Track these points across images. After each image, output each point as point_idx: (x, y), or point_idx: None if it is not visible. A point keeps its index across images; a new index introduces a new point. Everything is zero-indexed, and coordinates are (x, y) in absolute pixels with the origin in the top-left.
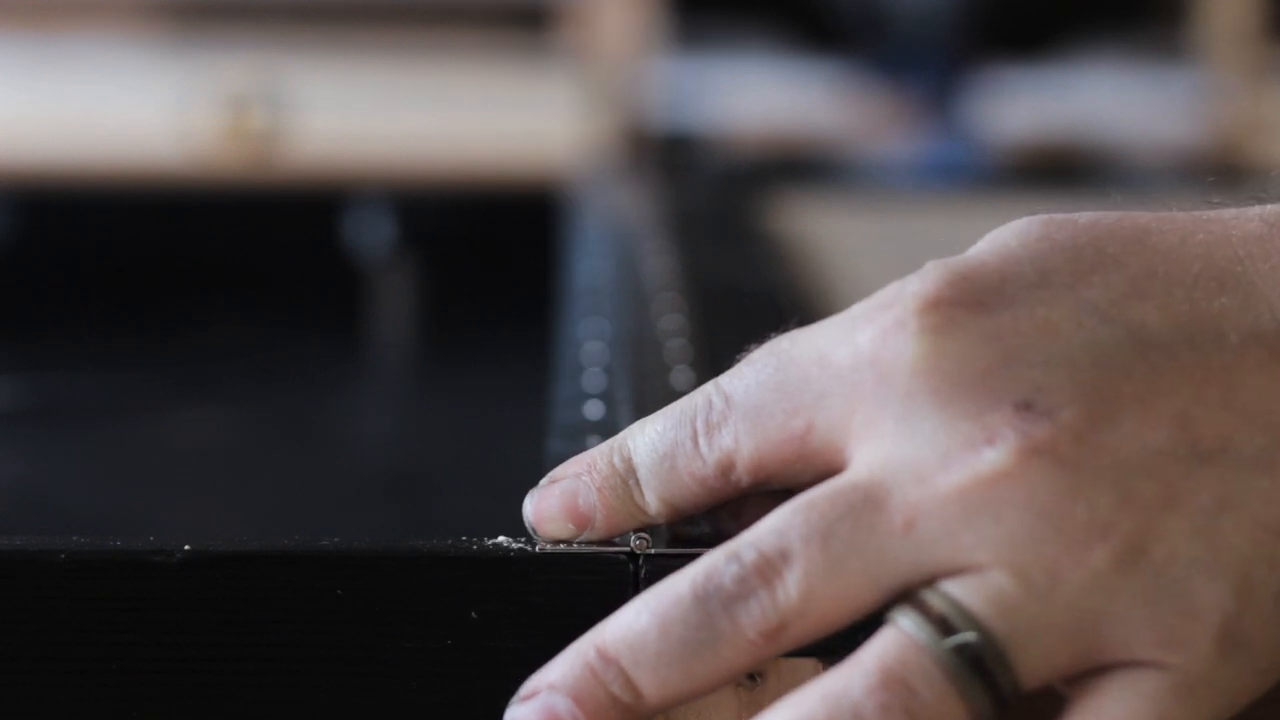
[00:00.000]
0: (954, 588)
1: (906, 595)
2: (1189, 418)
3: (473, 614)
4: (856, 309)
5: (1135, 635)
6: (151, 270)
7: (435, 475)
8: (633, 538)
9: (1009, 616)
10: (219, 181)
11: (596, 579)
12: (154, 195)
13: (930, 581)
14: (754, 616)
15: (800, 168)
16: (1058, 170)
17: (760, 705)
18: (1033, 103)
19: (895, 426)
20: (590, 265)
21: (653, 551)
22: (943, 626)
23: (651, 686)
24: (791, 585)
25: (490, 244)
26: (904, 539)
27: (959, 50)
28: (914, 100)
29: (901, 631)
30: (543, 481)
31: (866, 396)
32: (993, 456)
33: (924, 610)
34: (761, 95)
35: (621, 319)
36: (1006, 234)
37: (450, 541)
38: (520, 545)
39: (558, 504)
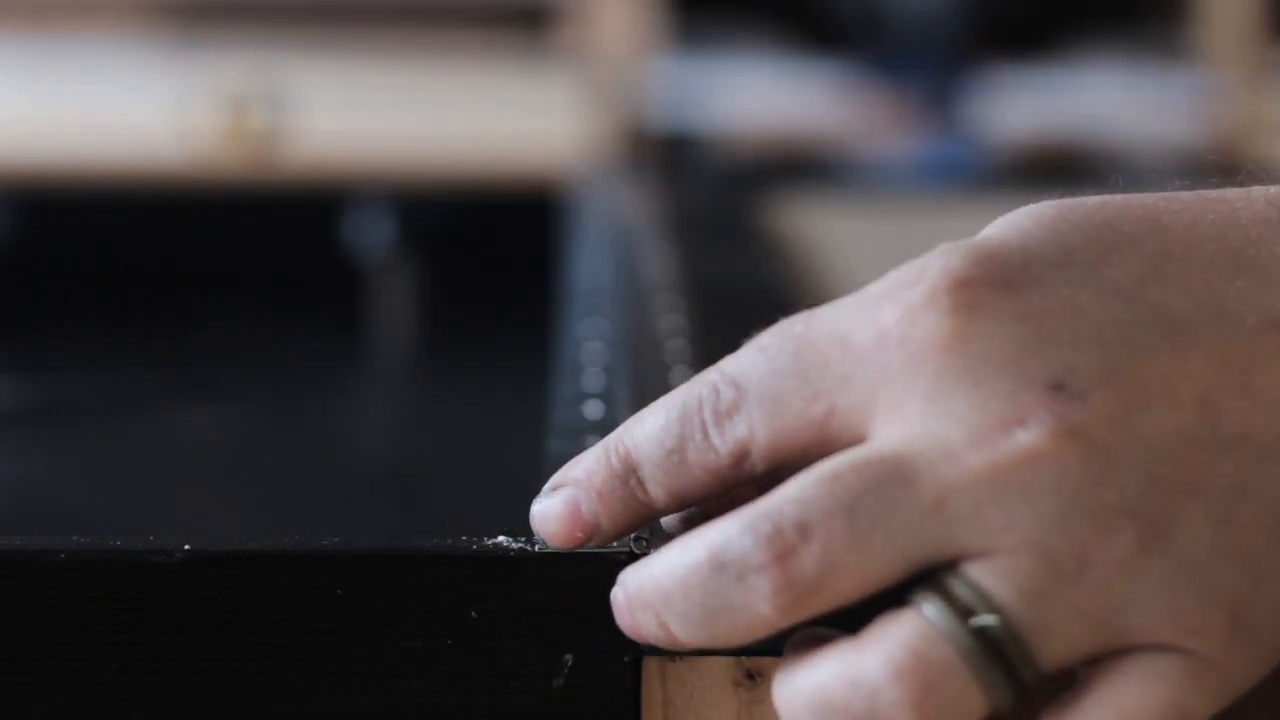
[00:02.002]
0: (979, 573)
1: (929, 576)
2: (1211, 402)
3: (473, 614)
4: (875, 289)
5: (1157, 621)
6: (151, 270)
7: (435, 475)
8: (632, 538)
9: (1035, 603)
10: (219, 181)
11: (596, 579)
12: (154, 195)
13: (955, 562)
14: (767, 591)
15: (800, 168)
16: (1058, 170)
17: (760, 705)
18: (1033, 103)
19: (923, 405)
20: (590, 265)
21: (651, 552)
22: (967, 615)
23: (683, 638)
24: (808, 561)
25: (490, 244)
26: (933, 516)
27: (959, 50)
28: (914, 100)
29: (924, 618)
30: (545, 488)
31: (894, 377)
32: (1025, 437)
33: (948, 597)
34: (761, 95)
35: (621, 319)
36: (1019, 216)
37: (450, 541)
38: (520, 545)
39: (562, 514)
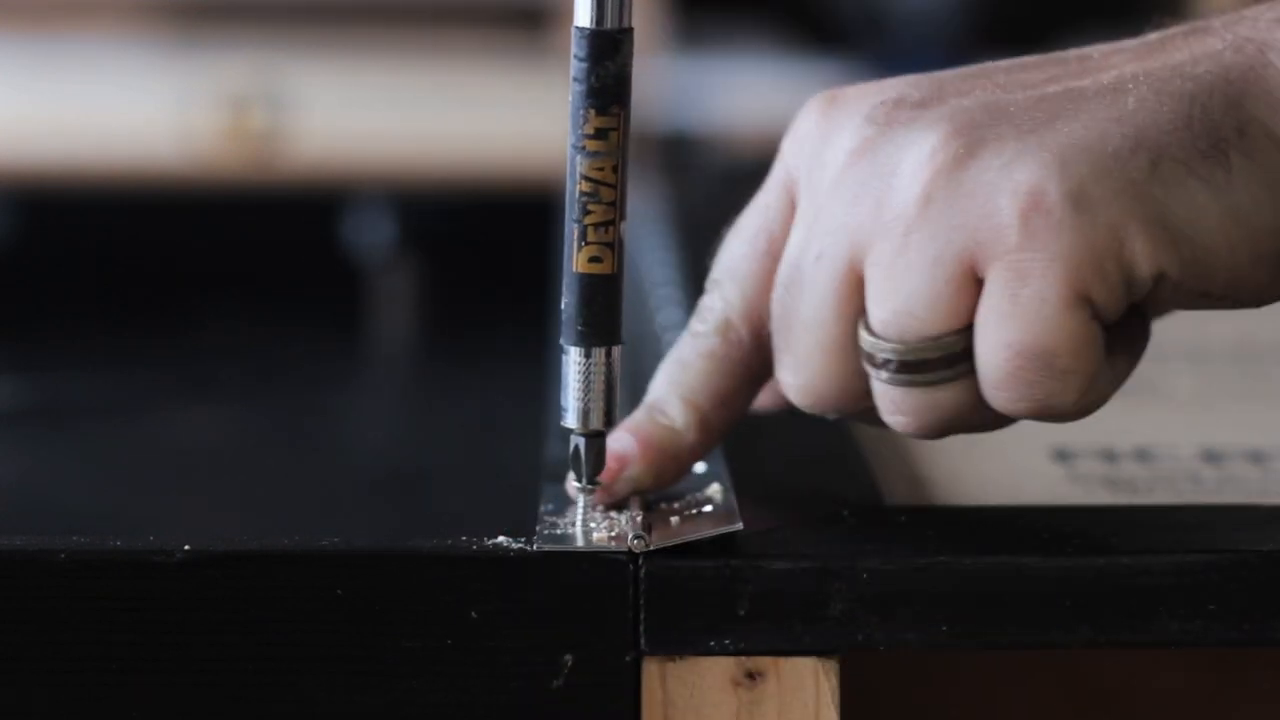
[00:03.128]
0: (866, 300)
1: None
2: (1038, 85)
3: (473, 614)
4: None
5: (971, 229)
6: (151, 270)
7: (435, 475)
8: (631, 537)
9: (891, 298)
10: (219, 181)
11: (596, 579)
12: (154, 195)
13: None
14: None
15: None
16: None
17: (760, 705)
18: None
19: (803, 176)
20: None
21: (652, 549)
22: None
23: None
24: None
25: (490, 244)
26: (810, 241)
27: (959, 50)
28: None
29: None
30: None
31: (789, 163)
32: (852, 138)
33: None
34: (762, 95)
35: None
36: None
37: (450, 541)
38: (520, 545)
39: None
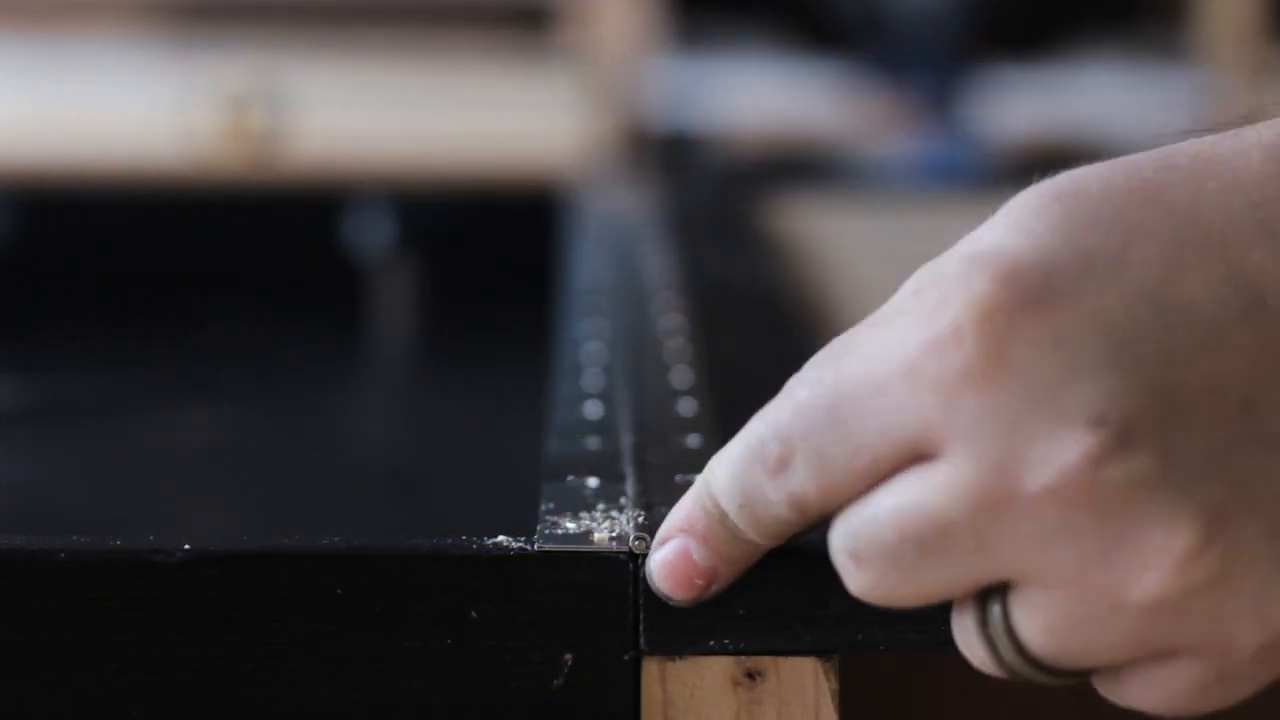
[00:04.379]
0: (1014, 604)
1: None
2: (1252, 401)
3: (473, 614)
4: (902, 319)
5: (1197, 643)
6: (152, 270)
7: (435, 475)
8: (632, 537)
9: (1062, 639)
10: (219, 181)
11: (596, 579)
12: (154, 195)
13: (1005, 584)
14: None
15: (800, 168)
16: (1057, 170)
17: (760, 704)
18: (1033, 103)
19: (963, 450)
20: (590, 265)
21: (650, 549)
22: (990, 639)
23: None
24: (866, 582)
25: (490, 244)
26: (976, 557)
27: (959, 50)
28: (914, 100)
29: (964, 625)
30: (654, 544)
31: (930, 419)
32: (1066, 478)
33: (981, 620)
34: (761, 95)
35: (621, 319)
36: (1026, 215)
37: (450, 541)
38: (520, 545)
39: (678, 570)
